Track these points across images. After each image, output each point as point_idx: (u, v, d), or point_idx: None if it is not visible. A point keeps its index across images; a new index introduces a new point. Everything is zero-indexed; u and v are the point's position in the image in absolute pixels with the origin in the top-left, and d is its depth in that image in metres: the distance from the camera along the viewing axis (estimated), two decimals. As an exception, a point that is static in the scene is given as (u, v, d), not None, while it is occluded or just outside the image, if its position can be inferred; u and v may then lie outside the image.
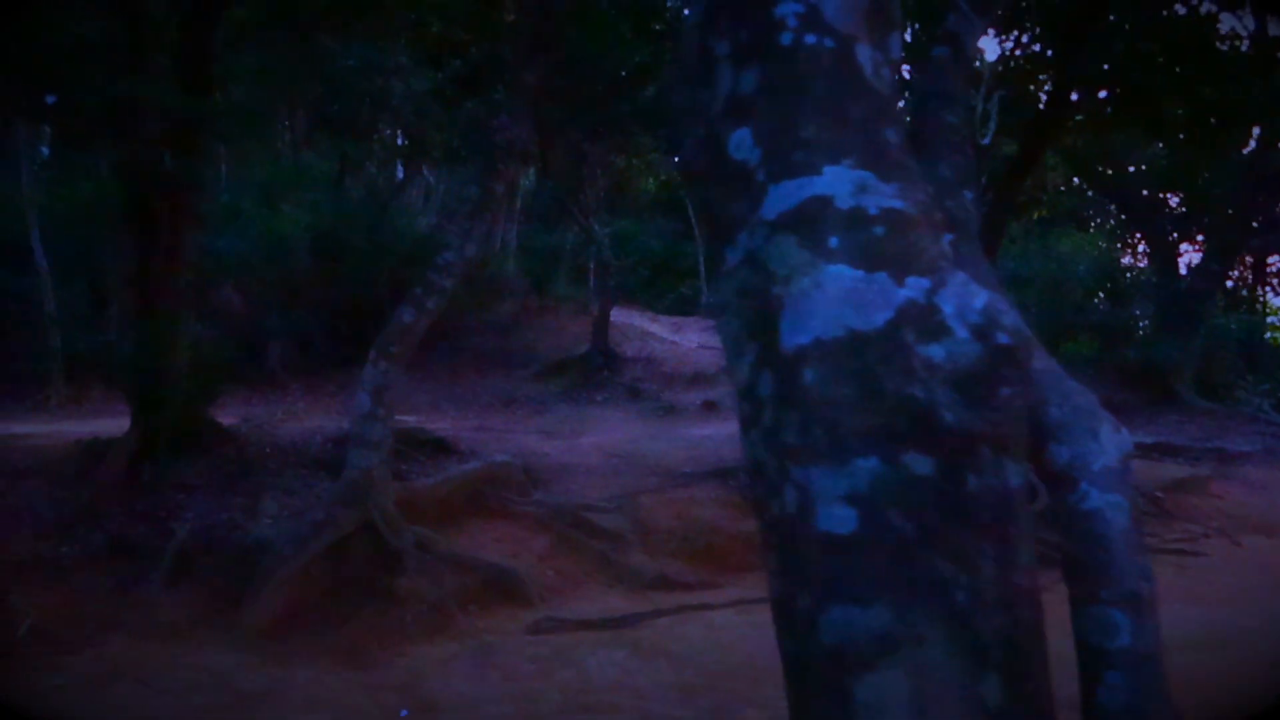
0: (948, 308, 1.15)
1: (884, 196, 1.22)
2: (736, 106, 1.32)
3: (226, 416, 9.86)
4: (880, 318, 1.14)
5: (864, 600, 1.08)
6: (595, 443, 10.56)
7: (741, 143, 1.30)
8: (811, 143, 1.23)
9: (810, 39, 1.28)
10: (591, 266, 23.82)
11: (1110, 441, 1.73)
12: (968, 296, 1.16)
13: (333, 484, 7.40)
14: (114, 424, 9.04)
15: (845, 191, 1.21)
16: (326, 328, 16.21)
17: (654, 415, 12.55)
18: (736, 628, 6.14)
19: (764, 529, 1.22)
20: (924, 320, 1.14)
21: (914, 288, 1.16)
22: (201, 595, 6.32)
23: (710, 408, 12.57)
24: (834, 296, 1.15)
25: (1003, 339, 1.14)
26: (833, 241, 1.18)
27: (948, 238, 1.33)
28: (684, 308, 26.85)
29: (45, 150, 17.60)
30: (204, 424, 8.85)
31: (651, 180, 34.81)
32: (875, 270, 1.17)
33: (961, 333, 1.13)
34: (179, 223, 8.29)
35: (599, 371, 14.08)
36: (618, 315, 16.64)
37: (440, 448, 9.29)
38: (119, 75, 6.91)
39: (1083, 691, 1.60)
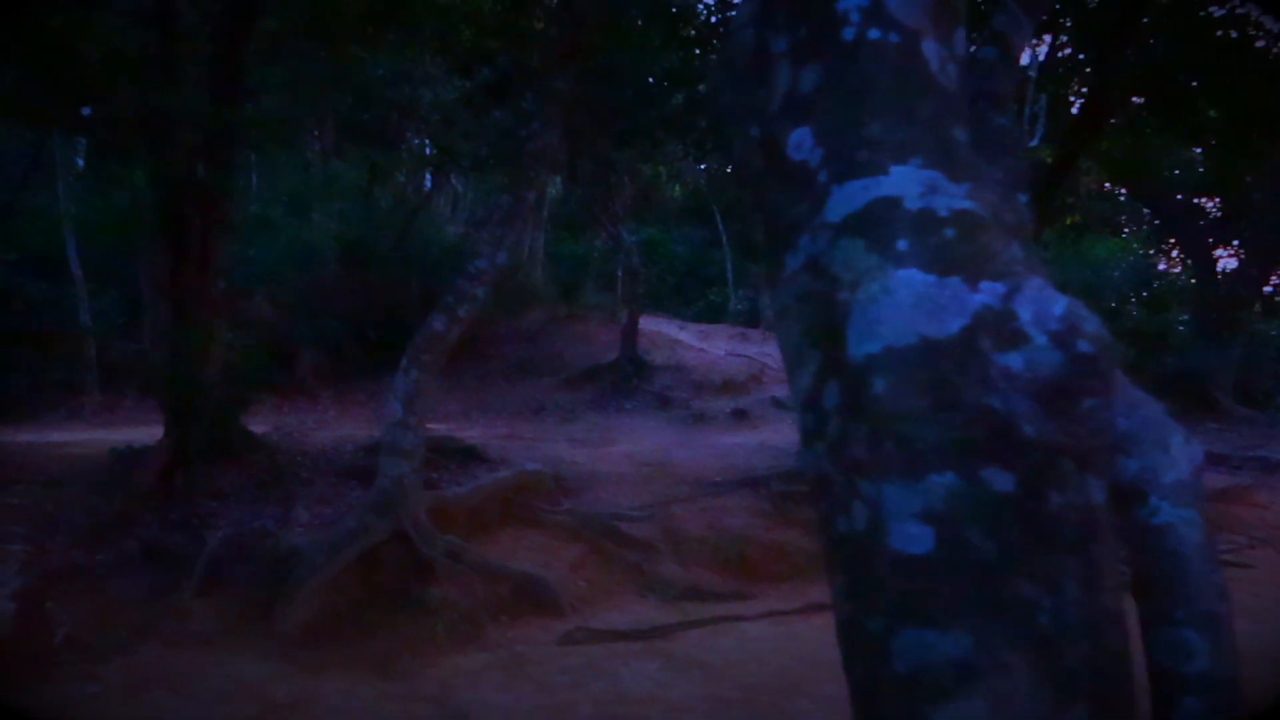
0: (1025, 314, 1.08)
1: (954, 197, 1.16)
2: (795, 105, 1.27)
3: (258, 425, 9.91)
4: (955, 325, 1.07)
5: (941, 624, 1.02)
6: (625, 451, 10.52)
7: (802, 143, 1.25)
8: (877, 141, 1.17)
9: (874, 33, 1.22)
10: (619, 274, 23.82)
11: (1181, 453, 1.65)
12: (1046, 302, 1.10)
13: (364, 492, 7.40)
14: (147, 432, 9.12)
15: (914, 192, 1.15)
16: (355, 336, 16.30)
17: (684, 423, 12.48)
18: (770, 639, 6.06)
19: (829, 547, 1.16)
20: (1001, 327, 1.08)
21: (989, 293, 1.09)
22: (233, 603, 6.32)
23: (740, 416, 12.49)
24: (905, 302, 1.09)
25: (1084, 347, 1.07)
26: (902, 245, 1.12)
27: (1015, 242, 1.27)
28: (712, 315, 26.78)
29: (80, 162, 17.87)
30: (236, 432, 8.90)
31: (678, 187, 34.81)
32: (947, 275, 1.10)
33: (1040, 340, 1.07)
34: (211, 232, 8.35)
35: (628, 379, 14.04)
36: (645, 323, 16.60)
37: (470, 456, 9.28)
38: (153, 86, 6.97)
39: (1156, 718, 1.52)
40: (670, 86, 11.24)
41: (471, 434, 10.92)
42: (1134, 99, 9.35)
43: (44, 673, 5.26)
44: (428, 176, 23.21)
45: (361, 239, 17.41)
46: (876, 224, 1.14)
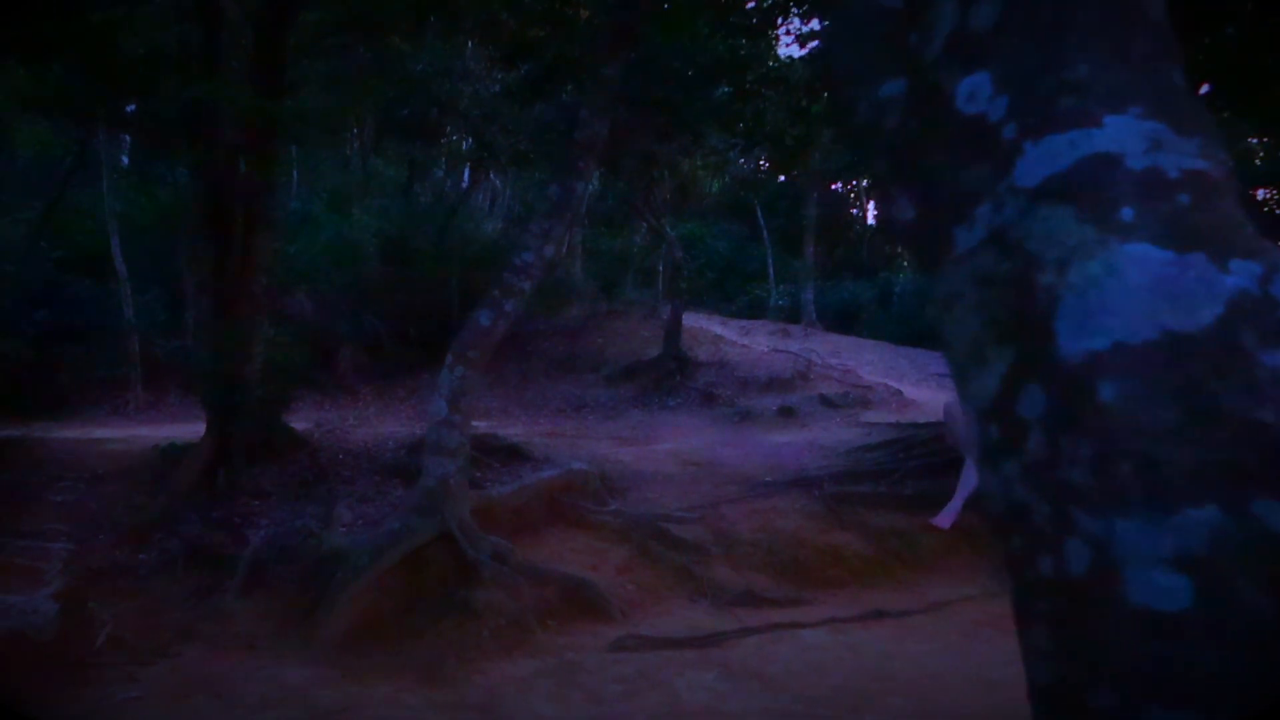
0: (1290, 300, 0.85)
1: (1184, 155, 0.92)
2: (966, 47, 1.04)
3: (298, 422, 9.83)
4: (1207, 314, 0.84)
5: (1204, 705, 0.78)
6: (671, 449, 10.29)
7: (976, 92, 1.01)
8: (1084, 85, 0.94)
9: (1073, -48, 0.98)
10: (660, 269, 23.61)
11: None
12: (1314, 286, 0.86)
13: (408, 492, 7.26)
14: (190, 429, 9.06)
15: (1137, 148, 0.91)
16: (395, 333, 16.23)
17: (729, 421, 12.23)
18: (830, 649, 5.80)
19: (1023, 591, 0.93)
20: (1263, 317, 0.84)
21: (1243, 274, 0.85)
22: (276, 605, 6.20)
23: (787, 414, 12.20)
24: (1138, 286, 0.85)
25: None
26: (1126, 213, 0.89)
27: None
28: (752, 311, 26.47)
29: (125, 160, 17.99)
30: (278, 430, 8.82)
31: (716, 183, 34.55)
32: (1188, 251, 0.87)
33: (1316, 334, 0.83)
34: (254, 228, 8.26)
35: (671, 376, 13.80)
36: (686, 319, 16.35)
37: (514, 454, 9.12)
38: (195, 81, 6.86)
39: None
40: (716, 77, 10.98)
41: (513, 431, 10.76)
42: (1203, 87, 8.94)
43: (86, 675, 5.16)
44: (465, 172, 23.14)
45: (401, 235, 17.35)
46: (1090, 187, 0.90)
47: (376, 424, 12.03)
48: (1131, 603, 0.81)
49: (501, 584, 6.30)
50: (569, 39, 8.51)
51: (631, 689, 5.25)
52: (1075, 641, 0.86)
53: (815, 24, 12.63)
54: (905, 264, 31.83)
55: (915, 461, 8.92)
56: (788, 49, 26.61)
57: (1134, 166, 0.90)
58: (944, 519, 7.33)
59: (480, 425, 10.09)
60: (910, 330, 23.53)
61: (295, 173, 18.91)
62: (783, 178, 28.50)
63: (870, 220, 35.47)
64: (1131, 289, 0.85)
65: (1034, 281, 0.91)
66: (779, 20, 9.20)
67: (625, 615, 6.36)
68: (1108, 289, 0.86)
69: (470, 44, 14.40)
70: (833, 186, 31.61)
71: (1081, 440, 0.85)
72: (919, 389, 14.84)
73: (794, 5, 9.60)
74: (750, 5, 8.96)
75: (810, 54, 13.64)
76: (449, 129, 21.04)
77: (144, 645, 5.54)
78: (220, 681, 5.26)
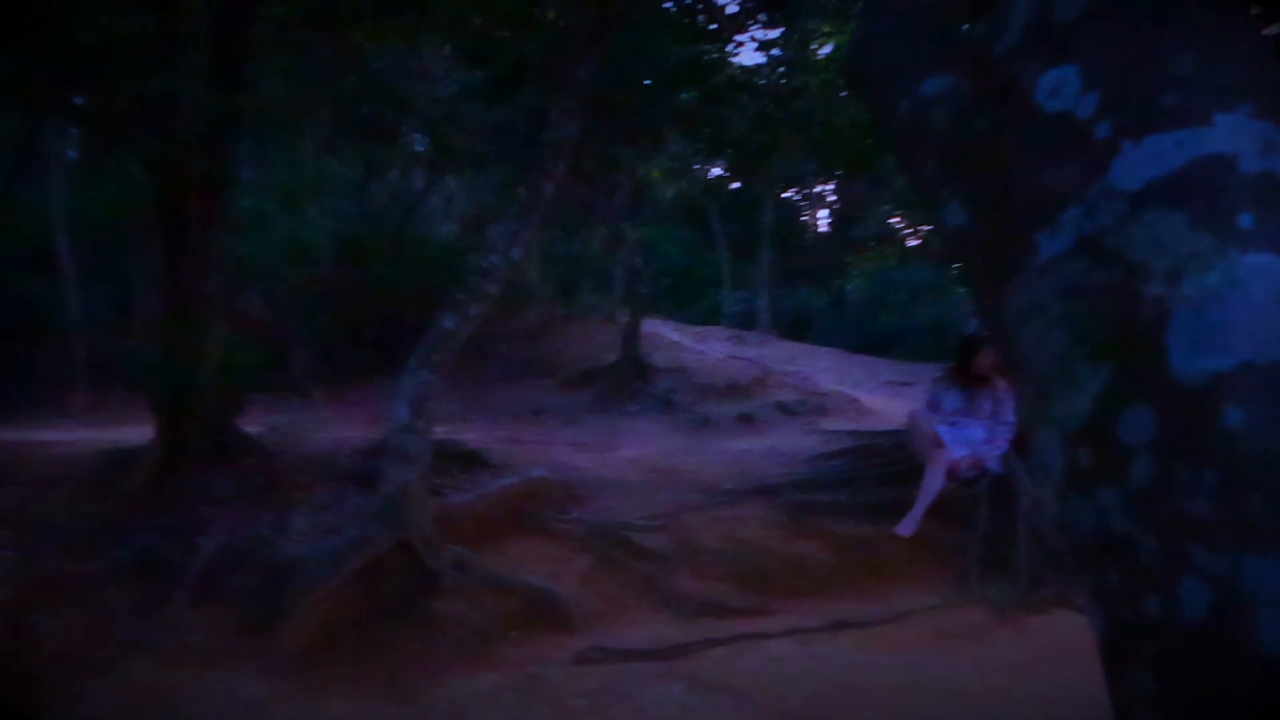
0: None
1: (1298, 159, 0.86)
2: (1048, 38, 0.97)
3: (250, 425, 9.55)
4: (1344, 333, 0.77)
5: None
6: (631, 456, 10.22)
7: (1061, 87, 0.95)
8: (1190, 82, 0.87)
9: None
10: (618, 273, 23.52)
11: None
12: None
13: (366, 499, 7.07)
14: (137, 432, 8.76)
15: (1250, 149, 0.85)
16: (350, 335, 15.97)
17: (688, 428, 12.18)
18: (797, 660, 5.75)
19: (1121, 631, 0.86)
20: (1401, 337, 0.78)
21: (1376, 289, 0.79)
22: (230, 616, 5.98)
23: (746, 420, 12.20)
24: (1264, 300, 0.79)
25: None
26: (1245, 220, 0.83)
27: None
28: (707, 318, 26.51)
29: (72, 154, 17.45)
30: (231, 434, 8.56)
31: (672, 188, 34.61)
32: (1313, 263, 0.81)
33: None
34: (209, 225, 8.01)
35: (630, 382, 13.73)
36: (642, 325, 16.30)
37: (473, 460, 8.98)
38: (152, 72, 6.63)
39: None
40: (680, 83, 10.94)
41: (471, 437, 10.59)
42: None
43: (30, 691, 4.92)
44: (421, 174, 22.85)
45: (357, 236, 17.08)
46: (1203, 192, 0.84)
47: (331, 428, 11.77)
48: (1262, 648, 0.74)
49: (463, 594, 6.16)
50: (536, 39, 8.40)
51: (597, 703, 5.14)
52: (1191, 690, 0.79)
53: (777, 32, 12.67)
54: (856, 273, 32.11)
55: (876, 470, 8.94)
56: (748, 55, 26.76)
57: (1248, 170, 0.84)
58: (905, 527, 7.32)
59: (437, 431, 9.90)
60: (863, 337, 23.76)
61: (247, 170, 18.50)
62: (737, 184, 28.65)
63: (822, 228, 35.74)
64: (1257, 303, 0.79)
65: (1138, 293, 0.84)
66: (748, 24, 9.19)
67: (589, 626, 6.25)
68: (1229, 303, 0.79)
69: (430, 43, 14.20)
70: (784, 195, 31.83)
71: (1203, 469, 0.78)
72: (874, 396, 14.95)
73: (759, 12, 9.60)
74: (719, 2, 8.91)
75: (771, 60, 13.68)
76: (405, 129, 20.76)
77: (92, 659, 5.31)
78: (172, 696, 5.05)
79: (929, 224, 30.71)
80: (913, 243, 32.67)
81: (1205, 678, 0.78)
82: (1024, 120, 0.98)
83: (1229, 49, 0.89)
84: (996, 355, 7.85)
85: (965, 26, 1.33)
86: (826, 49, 14.70)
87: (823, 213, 35.30)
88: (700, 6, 8.78)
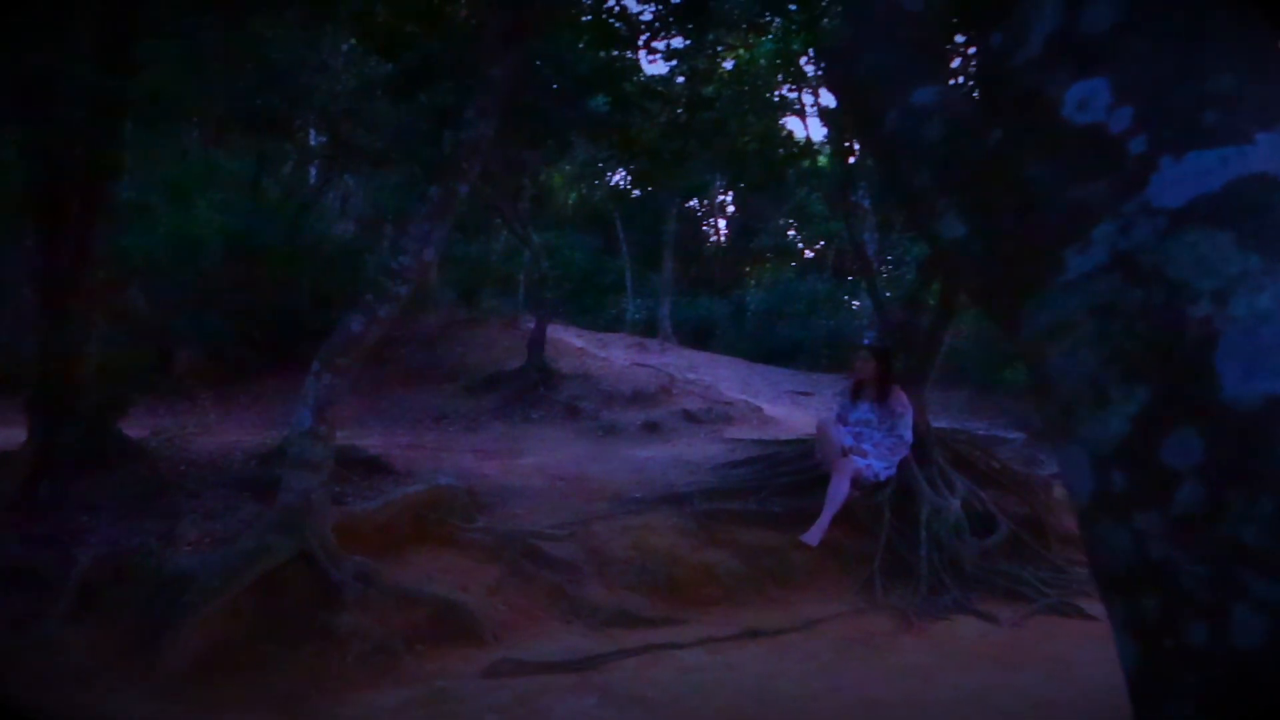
0: None
1: (1337, 179, 0.85)
2: (1076, 49, 0.94)
3: (132, 429, 9.04)
4: (1397, 357, 0.76)
5: None
6: (536, 463, 10.08)
7: (1092, 100, 0.91)
8: (1230, 98, 0.85)
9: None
10: (521, 278, 23.27)
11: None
12: None
13: (264, 508, 6.76)
14: (7, 434, 8.19)
15: (1293, 169, 0.83)
16: (240, 335, 15.31)
17: (594, 435, 12.10)
18: (709, 670, 5.74)
19: (1161, 660, 0.83)
20: None
21: None
22: (112, 633, 5.61)
23: (652, 429, 12.19)
24: (1321, 323, 0.77)
25: None
26: (1293, 241, 0.80)
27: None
28: (610, 324, 26.50)
29: (-67, 135, 16.28)
30: (111, 438, 8.08)
31: (574, 193, 34.51)
32: (1363, 285, 0.79)
33: None
34: (90, 216, 7.56)
35: (534, 388, 13.57)
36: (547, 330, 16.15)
37: (375, 467, 8.71)
38: (32, 50, 6.20)
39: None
40: (590, 87, 10.88)
41: (371, 443, 10.28)
42: None
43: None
44: (313, 170, 22.16)
45: (248, 232, 16.39)
46: (1251, 211, 0.81)
47: (219, 432, 11.27)
48: (1327, 681, 0.72)
49: (366, 607, 5.93)
50: (447, 37, 8.20)
51: (509, 717, 5.02)
52: (1246, 723, 0.76)
53: (681, 42, 12.73)
54: (754, 283, 32.60)
55: (782, 478, 9.03)
56: (660, 65, 26.95)
57: (1292, 190, 0.82)
58: (812, 536, 7.42)
59: (338, 436, 9.59)
60: (762, 347, 24.11)
61: (127, 159, 17.59)
62: (638, 192, 28.77)
63: (721, 237, 36.18)
64: (1313, 326, 0.76)
65: (1182, 313, 0.82)
66: (660, 31, 9.20)
67: (498, 638, 6.10)
68: (1283, 326, 0.77)
69: (331, 35, 13.78)
70: (687, 204, 32.11)
71: (1259, 495, 0.75)
72: (775, 405, 15.16)
73: (673, 23, 9.64)
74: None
75: (681, 69, 13.74)
76: (299, 123, 20.08)
77: (-46, 682, 4.90)
78: (47, 721, 4.71)
79: (823, 238, 31.47)
80: (809, 255, 33.45)
81: (1256, 711, 0.76)
82: (1048, 133, 0.95)
83: (1265, 67, 0.88)
84: (873, 364, 8.06)
85: (960, 37, 1.30)
86: (729, 63, 14.90)
87: (723, 223, 35.76)
88: (617, 10, 8.75)
